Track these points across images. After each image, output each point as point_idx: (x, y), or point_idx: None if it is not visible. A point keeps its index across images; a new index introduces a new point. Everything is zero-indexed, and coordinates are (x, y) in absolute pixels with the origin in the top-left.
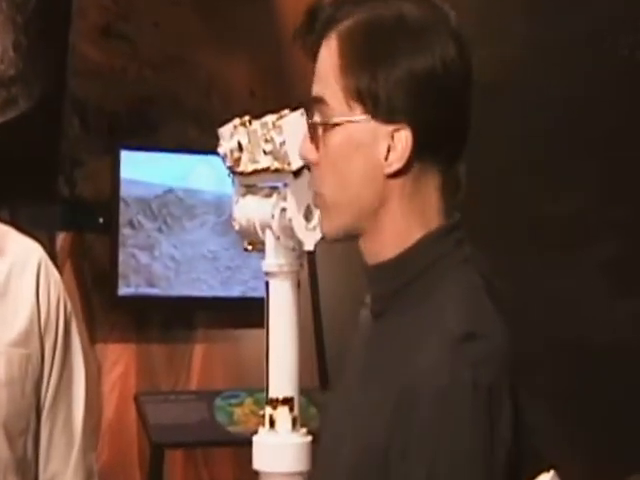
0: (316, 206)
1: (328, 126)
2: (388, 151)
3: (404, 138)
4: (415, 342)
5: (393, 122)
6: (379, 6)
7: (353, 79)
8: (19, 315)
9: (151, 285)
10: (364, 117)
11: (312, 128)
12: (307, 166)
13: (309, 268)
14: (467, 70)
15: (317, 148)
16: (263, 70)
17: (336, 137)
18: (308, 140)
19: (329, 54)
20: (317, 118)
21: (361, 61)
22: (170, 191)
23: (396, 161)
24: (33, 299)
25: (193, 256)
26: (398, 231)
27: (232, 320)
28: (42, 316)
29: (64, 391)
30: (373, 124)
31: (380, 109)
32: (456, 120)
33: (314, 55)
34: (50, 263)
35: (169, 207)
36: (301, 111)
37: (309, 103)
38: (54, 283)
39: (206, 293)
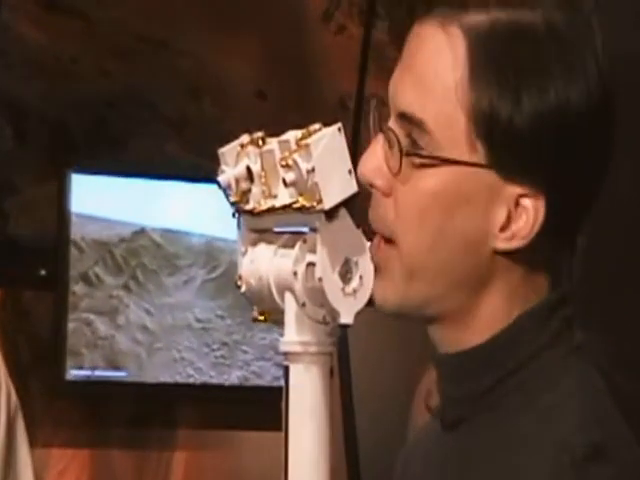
0: (377, 262)
1: (421, 159)
2: (509, 219)
3: (534, 208)
4: (516, 464)
5: (524, 182)
6: (516, 4)
7: (488, 110)
8: None
9: (113, 366)
10: (487, 161)
11: (389, 140)
12: (346, 202)
13: (338, 349)
14: (613, 108)
15: (391, 171)
16: (276, 61)
17: (434, 177)
18: (377, 154)
19: (450, 52)
20: (403, 136)
21: (507, 87)
22: (141, 232)
23: (518, 236)
24: None
25: (174, 326)
26: (494, 316)
27: (228, 418)
28: None
29: None
30: (495, 177)
31: (513, 160)
32: (597, 180)
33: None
34: None
35: (140, 255)
36: (338, 126)
37: (394, 116)
38: None
39: (192, 379)
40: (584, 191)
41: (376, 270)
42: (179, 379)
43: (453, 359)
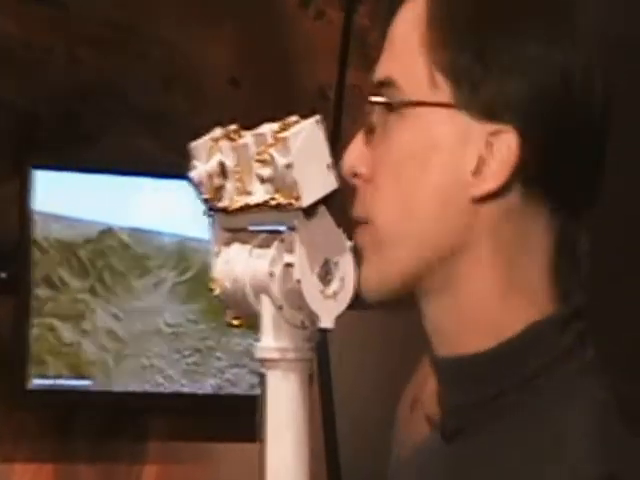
0: (358, 247)
1: (394, 112)
2: (480, 161)
3: (506, 145)
4: None
5: (493, 120)
6: None
7: (447, 50)
8: None
9: (79, 375)
10: (453, 102)
11: (369, 124)
12: (326, 200)
13: (318, 354)
14: (607, 98)
15: (368, 145)
16: (251, 49)
17: (404, 130)
18: (360, 143)
19: (413, 15)
20: (378, 109)
21: (464, 27)
22: (109, 232)
23: (491, 177)
24: None
25: (143, 332)
26: (486, 298)
27: (201, 429)
28: None
29: None
30: (463, 117)
31: (479, 97)
32: (585, 149)
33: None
34: None
35: (107, 257)
36: (317, 118)
37: (371, 89)
38: None
39: (162, 388)
40: (563, 144)
41: (359, 258)
42: (149, 388)
43: (454, 364)
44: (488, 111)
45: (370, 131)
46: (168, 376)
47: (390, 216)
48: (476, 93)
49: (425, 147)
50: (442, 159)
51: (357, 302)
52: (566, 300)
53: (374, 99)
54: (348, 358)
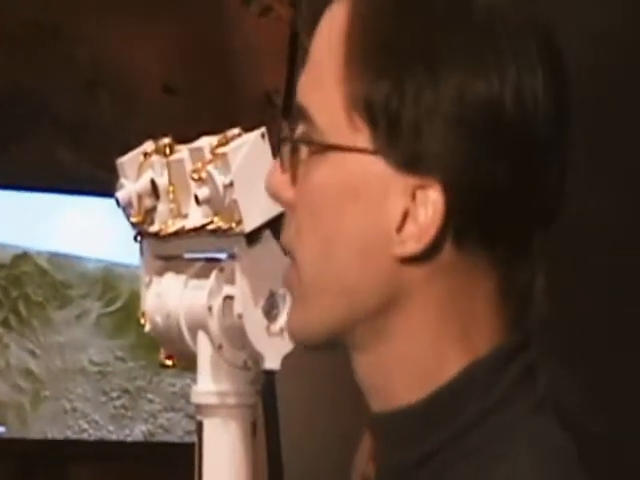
0: (286, 281)
1: (312, 149)
2: (404, 218)
3: (431, 202)
4: None
5: (415, 171)
6: None
7: (364, 82)
8: None
9: None
10: (373, 147)
11: (293, 147)
12: (271, 224)
13: (264, 399)
14: (558, 116)
15: (295, 180)
16: (188, 50)
17: (323, 171)
18: (282, 166)
19: (331, 31)
20: (300, 134)
21: (383, 54)
22: (24, 256)
23: (415, 238)
24: None
25: (64, 370)
26: (419, 352)
27: None
28: None
29: None
30: (383, 165)
31: (398, 144)
32: (527, 194)
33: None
34: None
35: (23, 285)
36: (261, 131)
37: (293, 110)
38: None
39: (86, 435)
40: (498, 197)
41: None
42: (70, 434)
43: (387, 418)
44: (409, 161)
45: (294, 152)
46: (93, 421)
47: (309, 261)
48: (395, 139)
49: (343, 195)
50: (361, 211)
51: None
52: (509, 335)
53: (295, 137)
54: (298, 405)
